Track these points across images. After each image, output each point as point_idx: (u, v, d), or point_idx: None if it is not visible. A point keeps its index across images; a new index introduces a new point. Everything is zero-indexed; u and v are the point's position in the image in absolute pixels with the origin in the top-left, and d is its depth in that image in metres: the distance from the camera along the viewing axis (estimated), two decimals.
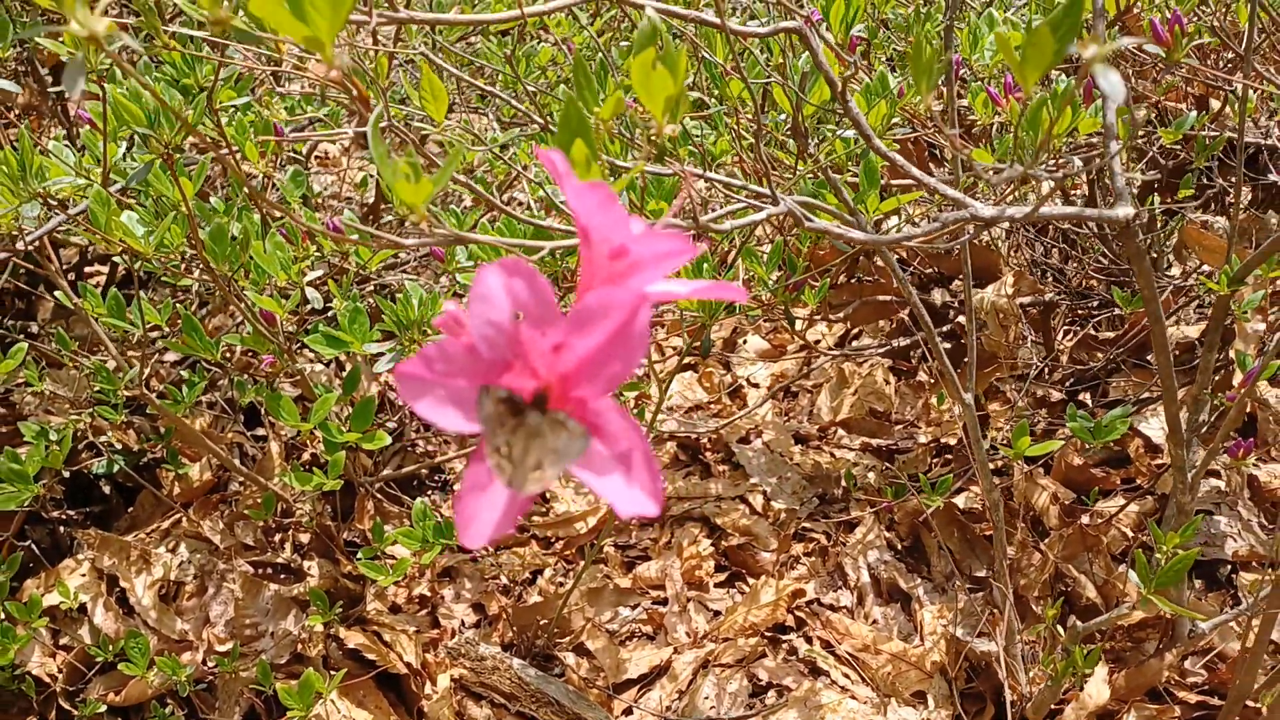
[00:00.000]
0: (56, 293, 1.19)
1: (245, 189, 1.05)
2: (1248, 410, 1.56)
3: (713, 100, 1.16)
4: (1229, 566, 1.42)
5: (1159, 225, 1.51)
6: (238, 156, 1.11)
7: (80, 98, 1.61)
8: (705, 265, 1.01)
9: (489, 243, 0.47)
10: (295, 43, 0.40)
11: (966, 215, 0.74)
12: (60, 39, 1.13)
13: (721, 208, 0.87)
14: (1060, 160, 1.05)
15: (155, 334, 1.56)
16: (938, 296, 1.65)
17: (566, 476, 1.79)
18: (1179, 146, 1.28)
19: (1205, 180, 1.54)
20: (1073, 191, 1.25)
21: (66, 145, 1.07)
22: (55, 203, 0.93)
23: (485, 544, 0.32)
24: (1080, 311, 1.84)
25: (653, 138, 0.43)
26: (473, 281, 0.30)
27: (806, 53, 1.15)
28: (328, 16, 0.41)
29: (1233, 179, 1.45)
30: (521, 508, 0.31)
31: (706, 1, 1.15)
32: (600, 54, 1.32)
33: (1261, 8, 1.12)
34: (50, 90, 1.74)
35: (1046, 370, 1.63)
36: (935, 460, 1.70)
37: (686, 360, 2.06)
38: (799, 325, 1.99)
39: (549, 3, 0.62)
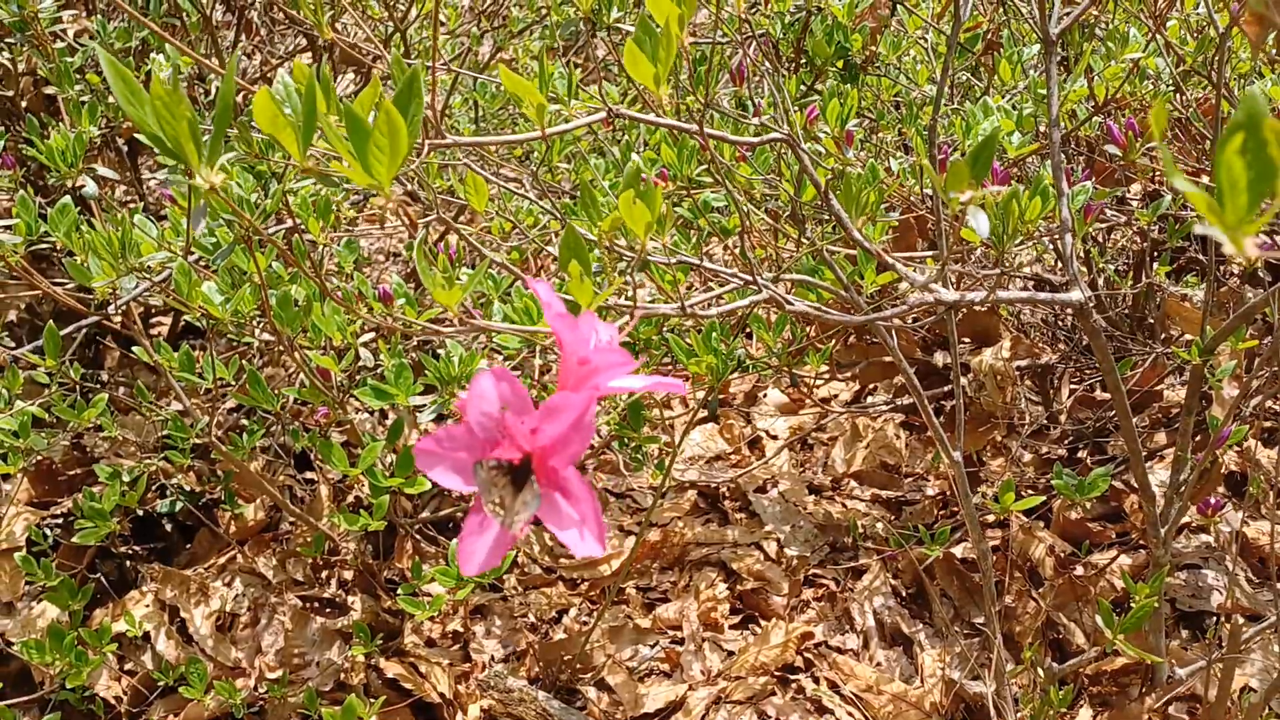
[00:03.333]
0: (135, 348, 1.33)
1: (308, 261, 1.19)
2: (1236, 469, 1.64)
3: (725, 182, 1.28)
4: (1215, 618, 1.50)
5: (1154, 294, 1.61)
6: (301, 230, 1.25)
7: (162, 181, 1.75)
8: (714, 334, 1.13)
9: (511, 331, 0.59)
10: (362, 186, 0.53)
11: (932, 300, 0.86)
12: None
13: (724, 283, 0.99)
14: (1035, 240, 1.16)
15: (220, 385, 1.69)
16: (940, 358, 1.75)
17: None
18: (1159, 224, 1.39)
19: (1198, 254, 1.64)
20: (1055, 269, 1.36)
21: (150, 219, 1.22)
22: (146, 275, 1.06)
23: (478, 572, 0.44)
24: (1088, 370, 1.93)
25: (637, 250, 0.55)
26: (470, 384, 0.42)
27: (811, 142, 1.27)
28: (386, 166, 0.53)
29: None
30: (505, 546, 0.43)
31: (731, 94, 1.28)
32: (624, 137, 1.45)
33: (1228, 100, 1.23)
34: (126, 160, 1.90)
35: (1048, 428, 1.73)
36: (941, 512, 1.79)
37: (715, 412, 2.17)
38: (815, 382, 2.09)
39: (569, 124, 0.74)
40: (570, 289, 0.56)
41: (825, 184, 0.86)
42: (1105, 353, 0.98)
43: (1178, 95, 1.42)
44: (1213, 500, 1.21)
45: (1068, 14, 1.06)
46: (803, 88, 1.72)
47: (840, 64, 1.65)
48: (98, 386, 1.78)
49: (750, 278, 0.76)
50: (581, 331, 0.46)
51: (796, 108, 1.23)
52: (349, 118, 0.54)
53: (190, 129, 0.48)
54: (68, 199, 1.17)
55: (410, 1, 1.60)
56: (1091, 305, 0.91)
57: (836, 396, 2.13)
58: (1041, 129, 1.40)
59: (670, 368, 1.97)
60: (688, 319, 0.73)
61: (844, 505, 1.86)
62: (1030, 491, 1.74)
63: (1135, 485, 1.68)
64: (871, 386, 2.07)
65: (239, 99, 1.83)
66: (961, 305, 0.87)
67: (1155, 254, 1.50)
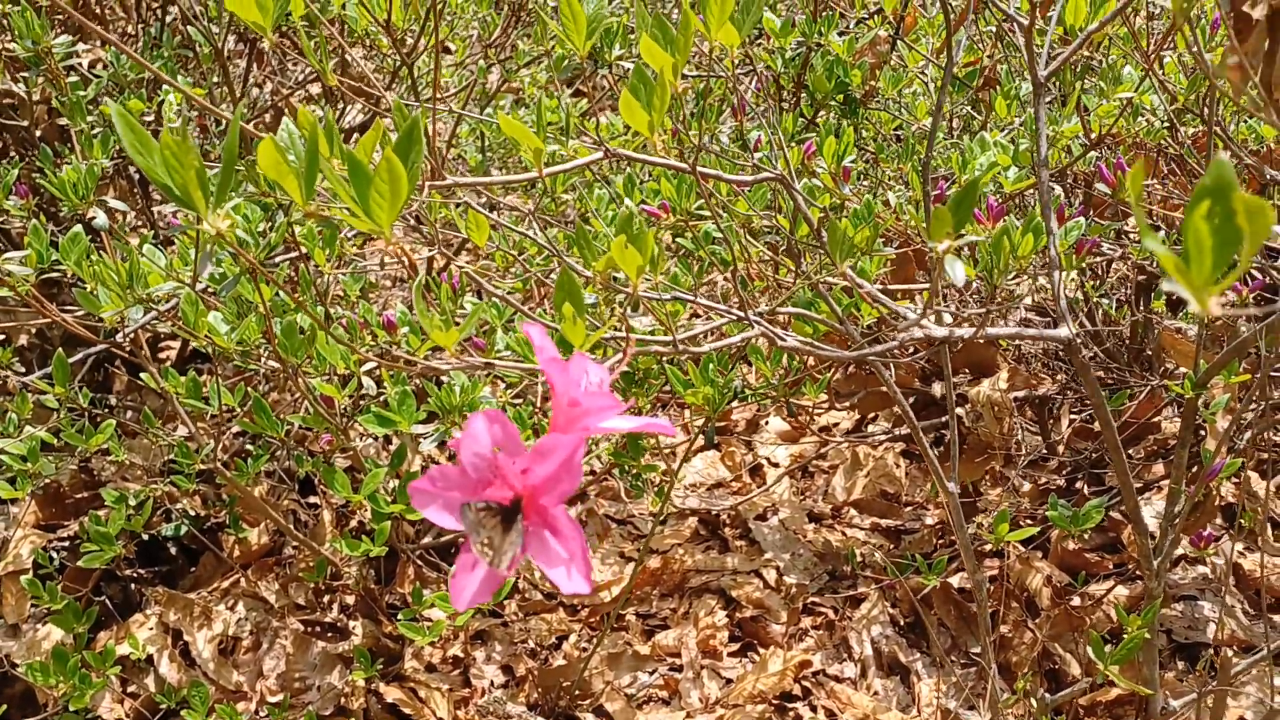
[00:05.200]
0: (143, 374, 1.35)
1: (313, 289, 1.21)
2: (1234, 501, 1.65)
3: (725, 216, 1.30)
4: (1212, 649, 1.50)
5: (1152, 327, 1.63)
6: (307, 258, 1.27)
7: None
8: (711, 365, 1.14)
9: (508, 368, 0.61)
10: (364, 230, 0.55)
11: (921, 335, 0.88)
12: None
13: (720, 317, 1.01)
14: (1030, 275, 1.18)
15: (225, 411, 1.71)
16: (938, 389, 1.76)
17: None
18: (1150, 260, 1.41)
19: None
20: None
21: (159, 248, 1.24)
22: (153, 304, 1.09)
23: (468, 608, 0.45)
24: (1087, 401, 1.94)
25: (629, 293, 0.57)
26: (464, 425, 0.44)
27: (808, 177, 1.29)
28: (387, 211, 0.56)
29: None
30: (496, 583, 0.45)
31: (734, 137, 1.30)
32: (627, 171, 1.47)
33: (1220, 138, 1.25)
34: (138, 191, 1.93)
35: (1046, 459, 1.74)
36: (940, 541, 1.80)
37: (712, 440, 2.18)
38: (815, 411, 2.11)
39: (566, 164, 0.77)
40: (564, 330, 0.58)
41: (818, 221, 0.88)
42: (1095, 387, 1.00)
43: (1173, 132, 1.44)
44: (1206, 532, 1.22)
45: (1060, 55, 1.09)
46: (803, 120, 1.74)
47: (840, 98, 1.67)
48: (106, 411, 1.80)
49: (742, 313, 0.78)
50: (572, 374, 0.47)
51: (794, 144, 1.25)
52: (351, 164, 0.56)
53: (198, 177, 0.50)
54: (79, 227, 1.20)
55: (417, 36, 1.63)
56: (1080, 341, 0.93)
57: (838, 425, 2.14)
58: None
59: (670, 397, 1.99)
60: (683, 353, 0.74)
61: (844, 534, 1.87)
62: (1029, 521, 1.75)
63: (1125, 519, 1.69)
64: (873, 415, 2.09)
65: (249, 127, 1.86)
66: (951, 341, 0.88)
67: (1152, 286, 1.51)
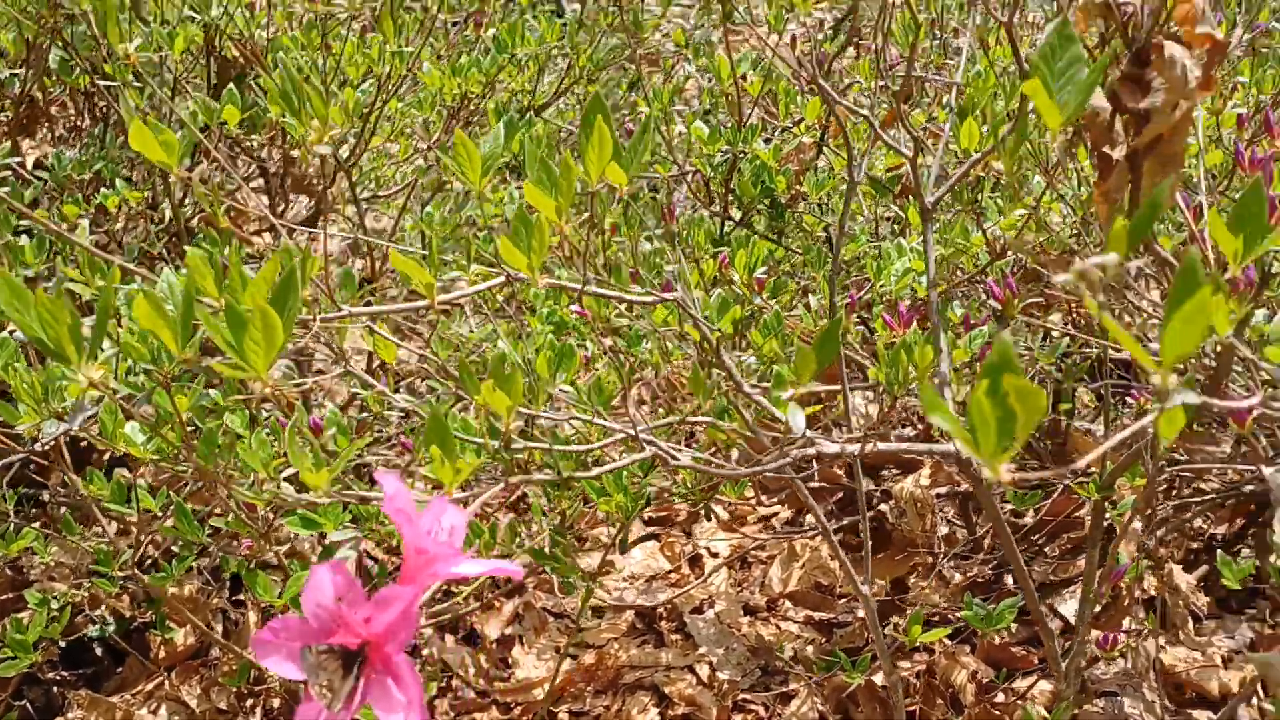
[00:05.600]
0: (67, 477, 1.35)
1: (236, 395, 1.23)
2: (1156, 594, 1.68)
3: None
4: None
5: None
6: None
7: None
8: (624, 473, 1.17)
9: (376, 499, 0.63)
10: (241, 376, 0.57)
11: (813, 451, 0.91)
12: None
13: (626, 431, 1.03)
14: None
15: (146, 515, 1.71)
16: (867, 484, 1.80)
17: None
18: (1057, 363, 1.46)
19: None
20: None
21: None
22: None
23: None
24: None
25: (502, 431, 0.60)
26: (306, 578, 0.46)
27: (726, 286, 1.34)
28: (262, 358, 0.58)
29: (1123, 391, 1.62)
30: None
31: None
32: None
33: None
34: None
35: (968, 556, 1.77)
36: (870, 635, 1.81)
37: (650, 531, 2.20)
38: (753, 501, 2.13)
39: (456, 292, 0.80)
40: (433, 470, 0.60)
41: (717, 341, 0.92)
42: (988, 498, 1.03)
43: (1081, 240, 1.50)
44: (1113, 635, 1.25)
45: (953, 177, 1.14)
46: (731, 222, 1.80)
47: (767, 202, 1.73)
48: (37, 510, 1.79)
49: (633, 431, 0.81)
50: (421, 524, 0.50)
51: (709, 256, 1.30)
52: (228, 313, 0.58)
53: (70, 333, 0.52)
54: (6, 333, 1.21)
55: (355, 142, 1.67)
56: (966, 456, 0.96)
57: (777, 514, 2.16)
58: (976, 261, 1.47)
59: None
60: (569, 479, 0.77)
61: (778, 627, 1.88)
62: (957, 616, 1.78)
63: (1060, 610, 1.72)
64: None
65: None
66: (843, 458, 0.92)
67: (1059, 389, 1.57)
